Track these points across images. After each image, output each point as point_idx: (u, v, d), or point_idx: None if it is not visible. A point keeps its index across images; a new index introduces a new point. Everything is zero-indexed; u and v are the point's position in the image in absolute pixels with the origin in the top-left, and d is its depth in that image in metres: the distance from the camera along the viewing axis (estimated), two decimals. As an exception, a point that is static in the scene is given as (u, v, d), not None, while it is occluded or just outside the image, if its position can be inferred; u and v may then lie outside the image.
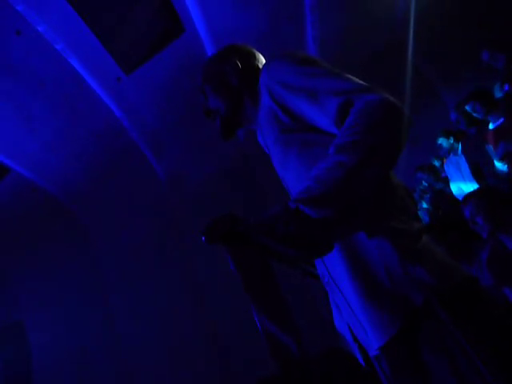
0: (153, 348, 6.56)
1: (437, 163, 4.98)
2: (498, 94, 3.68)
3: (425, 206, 5.08)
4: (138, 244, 7.07)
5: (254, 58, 1.28)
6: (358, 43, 6.28)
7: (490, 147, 3.42)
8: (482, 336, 0.78)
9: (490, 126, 3.54)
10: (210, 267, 6.02)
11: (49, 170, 6.66)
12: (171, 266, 6.91)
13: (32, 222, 7.08)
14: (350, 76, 0.97)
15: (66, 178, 6.91)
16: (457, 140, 4.18)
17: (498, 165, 3.35)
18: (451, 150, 4.27)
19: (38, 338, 6.86)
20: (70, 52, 5.11)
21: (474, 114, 3.66)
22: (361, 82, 0.95)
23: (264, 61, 1.30)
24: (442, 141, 4.23)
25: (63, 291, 7.02)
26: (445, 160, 4.56)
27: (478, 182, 3.92)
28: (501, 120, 3.45)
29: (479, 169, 3.88)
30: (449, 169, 4.47)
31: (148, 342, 6.58)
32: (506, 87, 3.57)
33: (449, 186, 4.57)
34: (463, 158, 4.16)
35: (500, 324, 0.82)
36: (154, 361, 6.56)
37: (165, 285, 6.74)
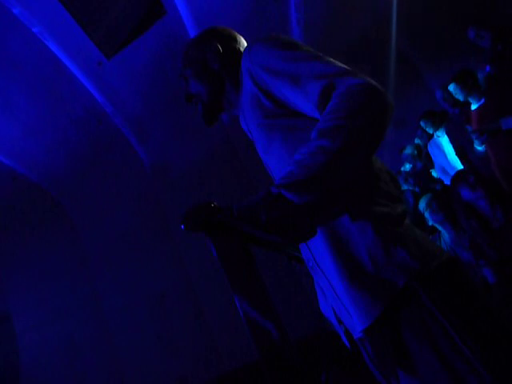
0: (143, 336, 6.59)
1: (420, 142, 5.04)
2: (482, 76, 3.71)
3: (409, 188, 5.15)
4: (124, 232, 7.02)
5: (236, 41, 1.26)
6: (342, 26, 6.24)
7: (470, 127, 3.46)
8: (463, 317, 0.79)
9: (472, 107, 3.57)
10: (197, 253, 6.03)
11: (29, 157, 6.53)
12: (158, 254, 6.90)
13: (14, 210, 6.97)
14: (332, 60, 0.96)
15: (47, 165, 6.79)
16: (440, 122, 4.22)
17: (477, 146, 3.40)
18: (435, 130, 4.31)
19: (24, 329, 6.82)
20: (47, 35, 4.96)
21: (456, 96, 3.69)
22: (343, 65, 0.95)
23: (246, 44, 1.28)
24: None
25: (49, 281, 6.96)
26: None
27: (462, 162, 3.97)
28: (481, 101, 3.48)
29: (464, 150, 3.93)
30: (432, 150, 4.52)
31: (137, 330, 6.60)
32: (488, 68, 3.59)
33: (431, 164, 4.63)
34: (447, 139, 4.20)
35: (480, 305, 0.84)
36: (143, 349, 6.59)
37: (152, 272, 6.74)
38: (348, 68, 0.93)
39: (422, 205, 3.08)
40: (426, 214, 3.02)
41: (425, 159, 4.85)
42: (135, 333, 6.60)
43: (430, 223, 3.07)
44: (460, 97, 3.64)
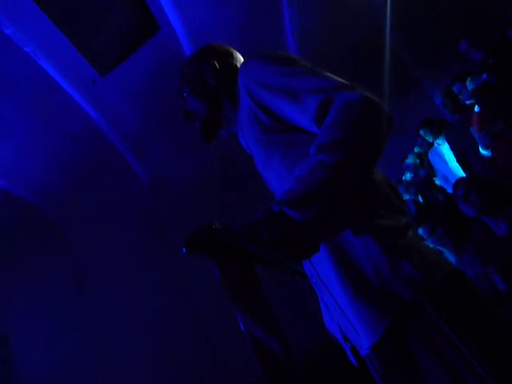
0: (143, 357, 6.51)
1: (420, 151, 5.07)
2: (470, 86, 3.72)
3: (411, 197, 5.16)
4: (122, 251, 6.98)
5: (232, 57, 1.28)
6: (338, 36, 6.32)
7: (474, 129, 3.47)
8: (470, 330, 0.79)
9: (476, 109, 3.59)
10: (199, 269, 6.00)
11: (23, 177, 6.53)
12: (158, 271, 6.86)
13: (8, 231, 6.93)
14: (329, 74, 0.98)
15: (42, 184, 6.78)
16: (439, 130, 4.24)
17: (482, 151, 3.41)
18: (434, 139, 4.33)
19: (20, 351, 6.73)
20: (40, 54, 5.01)
21: (460, 97, 3.70)
22: (340, 79, 0.96)
23: (242, 59, 1.30)
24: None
25: (46, 302, 6.90)
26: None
27: (464, 169, 3.99)
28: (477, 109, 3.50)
29: (465, 156, 3.95)
30: (433, 158, 4.54)
31: (137, 351, 6.53)
32: (485, 76, 3.62)
33: (433, 172, 4.63)
34: (447, 147, 4.23)
35: (489, 317, 0.84)
36: (143, 364, 6.50)
37: (152, 290, 6.69)
38: (345, 82, 0.95)
39: (424, 232, 2.93)
40: (430, 241, 2.89)
41: (427, 168, 4.88)
42: (136, 353, 6.53)
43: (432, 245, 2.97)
44: (465, 97, 3.65)
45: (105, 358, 6.68)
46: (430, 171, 4.83)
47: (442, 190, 4.46)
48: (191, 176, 7.07)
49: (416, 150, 5.22)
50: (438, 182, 4.72)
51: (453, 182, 3.53)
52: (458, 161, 4.00)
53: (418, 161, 5.14)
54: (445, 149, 4.27)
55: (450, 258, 2.85)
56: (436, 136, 4.31)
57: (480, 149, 3.44)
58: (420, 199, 4.79)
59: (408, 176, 5.26)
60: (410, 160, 5.22)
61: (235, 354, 5.70)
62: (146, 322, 6.59)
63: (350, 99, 0.88)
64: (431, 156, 4.54)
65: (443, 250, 2.94)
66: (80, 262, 7.28)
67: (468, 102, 3.65)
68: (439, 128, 4.29)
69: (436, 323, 0.80)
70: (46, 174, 6.62)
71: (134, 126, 6.62)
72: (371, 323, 0.84)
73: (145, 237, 7.09)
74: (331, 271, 0.90)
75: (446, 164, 4.27)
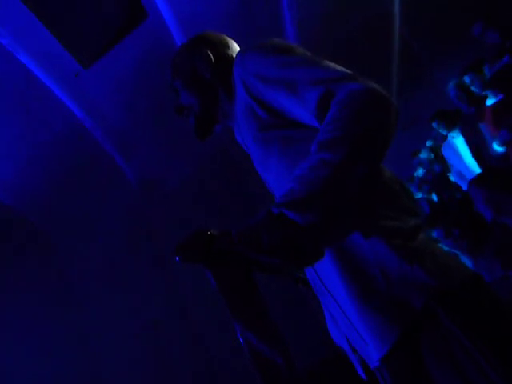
0: (137, 371, 6.51)
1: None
2: (489, 73, 3.72)
3: (423, 195, 5.16)
4: (111, 258, 6.98)
5: (227, 47, 1.28)
6: (340, 23, 6.30)
7: (485, 126, 3.47)
8: (489, 340, 0.79)
9: (488, 103, 3.59)
10: (193, 277, 5.99)
11: (1, 180, 6.52)
12: (150, 280, 6.86)
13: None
14: (330, 63, 0.98)
15: (22, 188, 6.77)
16: (453, 122, 4.24)
17: (496, 147, 3.40)
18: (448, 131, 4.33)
19: (4, 369, 6.71)
20: (17, 47, 5.00)
21: (472, 88, 3.70)
22: (342, 69, 0.96)
23: (238, 48, 1.30)
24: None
25: (30, 315, 6.89)
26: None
27: (479, 164, 3.98)
28: (499, 97, 3.49)
29: (480, 151, 3.94)
30: (447, 152, 4.53)
31: (126, 362, 6.51)
32: (506, 59, 3.59)
33: (448, 168, 4.63)
34: (462, 140, 4.22)
35: (509, 325, 0.83)
36: (133, 381, 6.50)
37: (144, 301, 6.68)
38: (348, 72, 0.94)
39: (439, 233, 2.89)
40: (445, 243, 2.87)
41: (441, 163, 4.87)
42: (125, 369, 6.52)
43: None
44: (477, 89, 3.65)
45: (93, 370, 6.67)
46: (445, 167, 4.82)
47: (457, 187, 4.46)
48: (184, 176, 7.06)
49: (429, 143, 5.22)
50: (452, 178, 4.71)
51: (469, 178, 3.53)
52: (473, 155, 4.00)
53: (432, 155, 5.13)
54: (459, 142, 4.26)
55: (466, 261, 2.84)
56: (450, 128, 4.30)
57: (494, 144, 3.43)
58: (434, 197, 4.78)
59: (420, 172, 5.26)
60: (423, 155, 5.21)
61: (234, 368, 5.69)
62: (136, 336, 6.58)
63: (353, 90, 0.87)
64: (444, 150, 4.53)
65: (458, 252, 2.93)
66: (65, 269, 7.27)
67: (483, 93, 3.64)
68: (453, 120, 4.28)
69: (451, 332, 0.80)
70: (25, 176, 6.61)
71: (121, 122, 6.61)
72: (381, 333, 0.84)
73: (134, 243, 7.08)
74: (336, 278, 0.90)
75: (461, 159, 4.27)
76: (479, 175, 2.91)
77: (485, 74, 3.59)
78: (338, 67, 0.97)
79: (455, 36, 5.81)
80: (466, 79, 3.72)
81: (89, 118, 6.25)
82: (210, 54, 1.24)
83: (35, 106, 5.86)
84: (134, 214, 7.16)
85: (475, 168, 4.06)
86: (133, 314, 6.64)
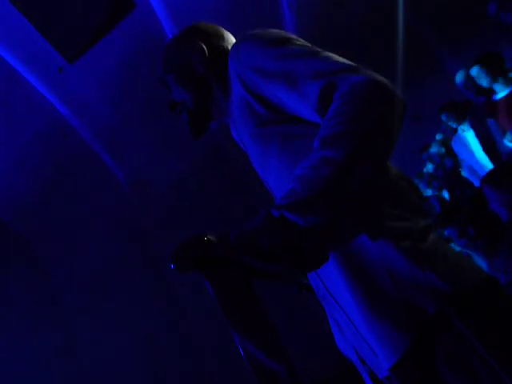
0: (121, 381, 6.51)
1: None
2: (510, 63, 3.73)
3: (434, 192, 5.16)
4: (100, 266, 6.96)
5: (222, 38, 1.28)
6: (342, 10, 6.30)
7: (492, 121, 3.47)
8: (506, 346, 0.79)
9: (497, 96, 3.60)
10: (191, 284, 5.99)
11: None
12: (143, 289, 6.85)
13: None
14: (331, 54, 0.97)
15: (5, 191, 6.76)
16: (463, 114, 4.23)
17: (508, 142, 3.40)
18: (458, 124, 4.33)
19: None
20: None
21: (479, 82, 3.71)
22: (344, 60, 0.96)
23: (234, 40, 1.30)
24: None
25: (15, 328, 6.88)
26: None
27: (491, 159, 3.98)
28: (510, 88, 3.50)
29: (492, 145, 3.94)
30: (457, 146, 4.53)
31: (120, 376, 6.51)
32: None
33: (459, 163, 4.63)
34: (472, 134, 4.22)
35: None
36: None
37: (137, 312, 6.67)
38: (350, 63, 0.94)
39: (452, 233, 2.87)
40: (458, 243, 2.89)
41: (453, 157, 4.87)
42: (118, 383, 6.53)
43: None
44: (484, 82, 3.66)
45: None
46: (455, 162, 4.82)
47: (469, 183, 4.46)
48: (177, 177, 7.05)
49: (438, 137, 5.22)
50: (463, 173, 4.71)
51: (480, 173, 3.54)
52: (484, 150, 4.00)
53: (443, 149, 5.12)
54: (470, 136, 4.26)
55: (480, 262, 2.84)
56: (460, 121, 4.30)
57: (506, 140, 3.43)
58: (445, 194, 4.78)
59: (430, 168, 5.26)
60: (433, 149, 5.21)
61: (232, 379, 5.71)
62: (129, 349, 6.59)
63: (357, 83, 0.87)
64: (455, 144, 4.53)
65: (472, 253, 2.94)
66: (51, 280, 7.25)
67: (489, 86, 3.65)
68: (463, 111, 4.28)
69: (466, 339, 0.80)
70: (7, 179, 6.60)
71: (110, 120, 6.61)
72: (390, 341, 0.84)
73: (125, 249, 7.07)
74: (341, 283, 0.90)
75: (472, 153, 4.27)
76: (492, 173, 2.91)
77: (493, 67, 3.58)
78: (340, 58, 0.97)
79: (466, 20, 5.80)
80: (473, 73, 3.72)
81: (74, 116, 6.25)
82: (204, 47, 1.24)
83: (16, 105, 5.86)
84: (124, 217, 7.16)
85: (487, 163, 4.06)
86: (124, 326, 6.64)
